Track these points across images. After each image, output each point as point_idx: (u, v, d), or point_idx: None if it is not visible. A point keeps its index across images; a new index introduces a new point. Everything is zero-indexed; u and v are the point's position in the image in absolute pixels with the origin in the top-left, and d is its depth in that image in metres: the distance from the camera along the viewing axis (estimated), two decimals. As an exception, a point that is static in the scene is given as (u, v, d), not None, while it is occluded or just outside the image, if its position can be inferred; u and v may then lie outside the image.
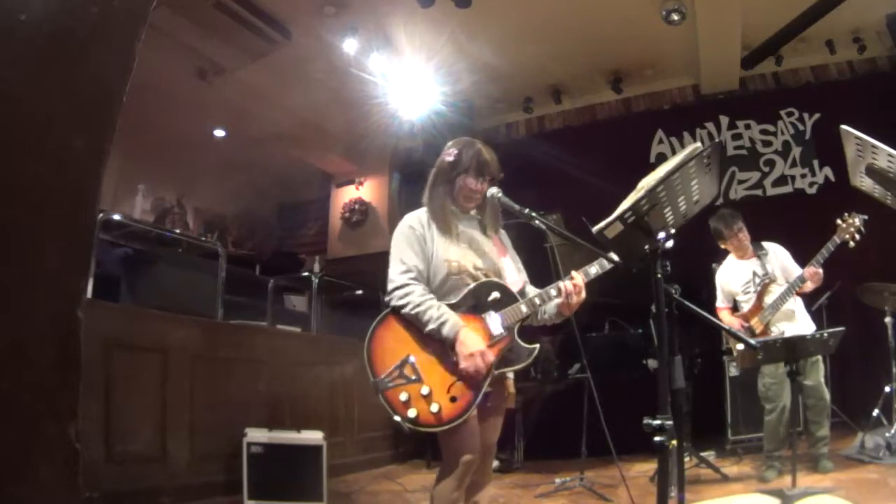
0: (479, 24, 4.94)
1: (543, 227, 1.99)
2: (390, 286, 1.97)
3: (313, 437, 3.61)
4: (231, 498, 3.41)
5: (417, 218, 2.07)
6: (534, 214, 1.99)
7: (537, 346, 2.01)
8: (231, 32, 5.01)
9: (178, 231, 5.76)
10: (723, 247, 3.83)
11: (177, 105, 5.99)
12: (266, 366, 4.10)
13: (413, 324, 1.93)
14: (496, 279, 2.05)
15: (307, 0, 4.90)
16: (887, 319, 3.97)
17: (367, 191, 7.48)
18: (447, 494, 1.90)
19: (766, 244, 3.76)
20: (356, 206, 7.41)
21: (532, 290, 2.11)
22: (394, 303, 1.94)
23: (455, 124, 5.72)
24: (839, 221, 3.38)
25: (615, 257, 2.02)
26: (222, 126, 7.04)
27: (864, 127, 1.77)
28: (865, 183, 1.89)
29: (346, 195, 7.56)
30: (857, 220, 3.33)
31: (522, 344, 2.00)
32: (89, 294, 3.09)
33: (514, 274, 2.13)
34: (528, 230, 2.16)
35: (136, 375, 3.24)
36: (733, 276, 3.79)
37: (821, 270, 3.43)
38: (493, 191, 2.05)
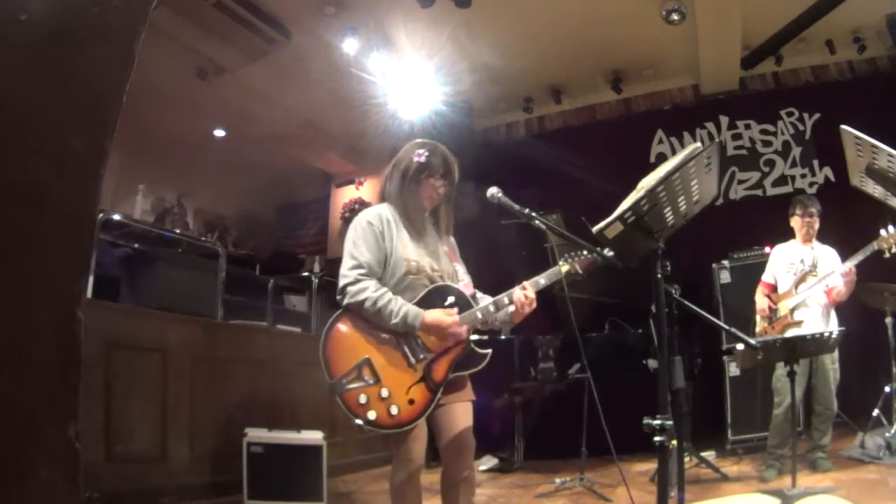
0: (480, 24, 4.94)
1: (543, 227, 1.99)
2: (341, 282, 1.96)
3: (313, 437, 3.61)
4: (231, 498, 3.40)
5: (377, 213, 2.06)
6: (534, 214, 2.00)
7: (490, 351, 2.04)
8: (231, 32, 5.01)
9: (178, 231, 5.75)
10: (792, 223, 3.86)
11: (177, 105, 5.99)
12: (266, 366, 4.10)
13: (369, 323, 1.93)
14: (452, 284, 2.08)
15: (307, 0, 4.90)
16: (887, 319, 3.97)
17: (367, 191, 7.48)
18: (401, 487, 1.96)
19: (824, 245, 3.79)
20: (356, 206, 7.40)
21: (484, 297, 2.13)
22: (347, 300, 1.92)
23: (455, 124, 5.73)
24: (882, 232, 3.36)
25: (556, 271, 2.08)
26: (222, 126, 7.04)
27: (864, 127, 1.77)
28: (865, 183, 1.89)
29: (346, 195, 7.56)
30: None
31: (477, 350, 2.03)
32: (89, 294, 3.09)
33: (466, 279, 2.16)
34: (528, 230, 2.16)
35: (136, 375, 3.24)
36: (785, 254, 3.86)
37: (854, 272, 3.41)
38: (493, 191, 2.05)
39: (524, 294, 2.00)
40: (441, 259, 2.12)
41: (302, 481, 3.47)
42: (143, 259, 4.38)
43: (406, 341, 1.94)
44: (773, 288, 3.86)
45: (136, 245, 4.44)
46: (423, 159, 2.08)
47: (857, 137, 1.78)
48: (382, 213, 2.06)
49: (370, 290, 1.91)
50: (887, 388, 3.90)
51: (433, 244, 2.13)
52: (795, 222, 3.83)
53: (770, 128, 5.79)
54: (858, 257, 3.41)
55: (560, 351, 4.40)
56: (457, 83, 5.58)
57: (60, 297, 0.98)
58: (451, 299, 2.02)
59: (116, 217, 4.27)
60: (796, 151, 5.69)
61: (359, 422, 1.83)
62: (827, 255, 3.74)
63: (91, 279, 3.19)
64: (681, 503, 1.64)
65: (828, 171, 5.51)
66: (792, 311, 3.65)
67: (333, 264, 7.04)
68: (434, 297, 2.00)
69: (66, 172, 1.00)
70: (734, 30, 5.15)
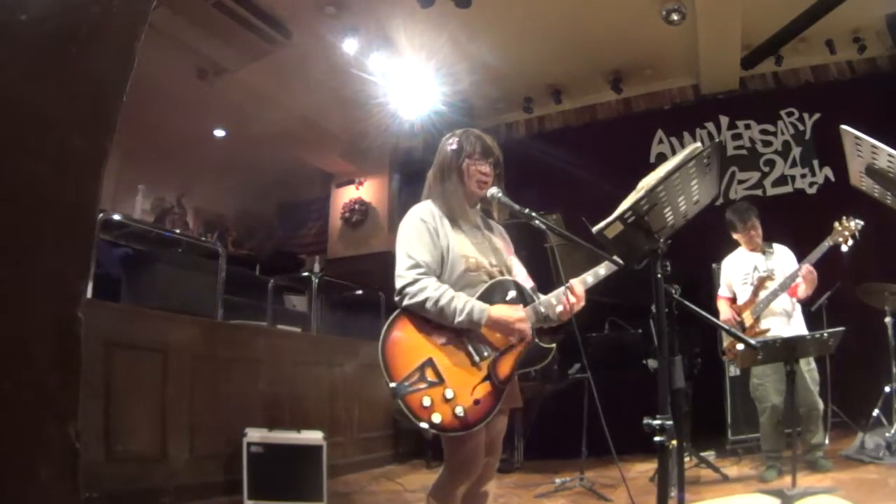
0: (479, 24, 4.94)
1: (543, 227, 1.97)
2: (399, 283, 1.84)
3: (313, 437, 3.61)
4: (231, 498, 3.41)
5: (427, 209, 1.97)
6: (534, 214, 1.97)
7: (554, 346, 1.98)
8: (231, 32, 5.02)
9: (178, 231, 5.76)
10: (734, 237, 3.86)
11: (177, 105, 6.00)
12: (266, 366, 4.10)
13: (429, 322, 1.83)
14: (511, 277, 2.01)
15: (307, 0, 4.90)
16: (887, 319, 3.96)
17: (367, 191, 7.48)
18: (447, 497, 1.88)
19: (775, 245, 3.79)
20: (356, 206, 7.41)
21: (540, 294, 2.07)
22: (407, 301, 1.81)
23: (455, 124, 5.67)
24: (836, 224, 3.39)
25: (611, 264, 2.00)
26: (222, 126, 7.04)
27: (864, 127, 1.76)
28: (865, 183, 1.89)
29: (346, 195, 7.57)
30: (853, 224, 3.34)
31: (541, 344, 1.96)
32: (89, 294, 3.09)
33: (522, 272, 2.10)
34: (528, 230, 2.15)
35: (136, 375, 3.24)
36: (737, 266, 3.84)
37: (814, 271, 3.44)
38: (493, 191, 2.02)
39: (575, 296, 1.93)
40: (497, 253, 2.05)
41: (302, 481, 3.48)
42: (143, 259, 4.38)
43: (469, 339, 1.85)
44: (733, 301, 3.85)
45: (136, 245, 4.44)
46: (455, 145, 2.03)
47: (857, 137, 1.78)
48: (433, 210, 1.97)
49: (430, 289, 1.80)
50: (887, 388, 3.90)
51: (487, 238, 2.06)
52: (739, 237, 3.82)
53: (770, 128, 5.80)
54: (816, 255, 3.42)
55: (560, 351, 4.39)
56: (456, 83, 5.59)
57: (60, 297, 0.98)
58: (511, 294, 1.95)
59: (116, 217, 4.27)
60: (796, 151, 5.69)
61: (424, 425, 1.71)
62: (783, 256, 3.73)
63: (91, 279, 3.19)
64: (681, 503, 1.63)
65: (828, 171, 5.51)
66: (757, 320, 3.63)
67: (333, 264, 7.08)
68: (494, 293, 1.92)
69: (66, 172, 1.00)
70: (734, 30, 5.15)
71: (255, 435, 3.47)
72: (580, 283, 1.97)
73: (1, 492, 0.88)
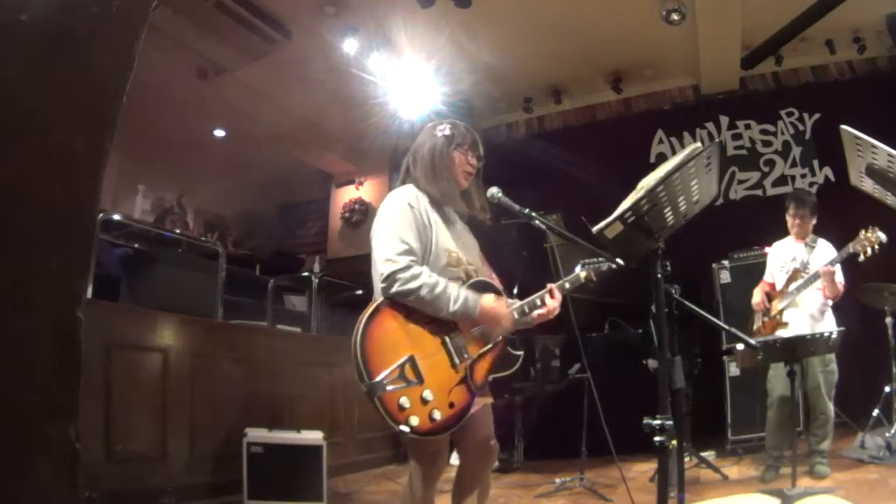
0: (479, 24, 4.94)
1: (543, 227, 1.97)
2: (390, 268, 1.72)
3: (313, 437, 3.61)
4: (231, 498, 3.40)
5: (414, 195, 1.90)
6: (534, 214, 1.97)
7: (522, 353, 1.96)
8: (231, 32, 5.02)
9: (178, 231, 5.76)
10: (787, 217, 3.84)
11: (177, 105, 6.00)
12: (266, 366, 4.10)
13: (413, 317, 1.75)
14: (489, 280, 2.00)
15: (307, 0, 4.90)
16: (887, 319, 3.96)
17: (367, 191, 7.48)
18: (419, 496, 1.85)
19: (820, 239, 3.76)
20: (356, 206, 7.42)
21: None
22: (397, 287, 1.71)
23: (455, 124, 5.72)
24: (862, 232, 3.32)
25: (590, 269, 2.01)
26: (222, 126, 7.04)
27: (864, 127, 1.76)
28: (865, 183, 1.89)
29: (346, 195, 7.57)
30: (874, 237, 3.26)
31: (511, 351, 1.96)
32: (89, 294, 3.09)
33: (491, 272, 2.08)
34: (528, 230, 2.15)
35: (136, 375, 3.24)
36: (780, 252, 3.85)
37: (835, 269, 3.39)
38: (494, 191, 2.01)
39: (554, 301, 1.94)
40: (470, 251, 2.02)
41: (302, 481, 3.47)
42: (143, 259, 4.38)
43: (452, 340, 1.80)
44: (774, 286, 3.83)
45: (136, 245, 4.44)
46: (447, 131, 1.99)
47: (857, 137, 1.78)
48: (418, 195, 1.90)
49: (425, 277, 1.72)
50: (887, 388, 3.90)
51: (463, 236, 2.04)
52: (788, 220, 3.82)
53: (770, 128, 5.80)
54: (838, 258, 3.39)
55: (560, 351, 4.40)
56: (457, 83, 5.59)
57: (60, 297, 0.98)
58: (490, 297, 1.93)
59: (116, 217, 4.28)
60: (796, 151, 5.69)
61: (404, 428, 1.63)
62: (822, 252, 3.69)
63: (91, 279, 3.19)
64: (681, 503, 1.63)
65: (828, 170, 5.51)
66: (781, 311, 3.62)
67: (333, 264, 7.08)
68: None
69: (66, 172, 1.00)
70: (734, 30, 5.15)
71: (255, 435, 3.47)
72: (558, 289, 1.96)
73: (1, 492, 0.88)
